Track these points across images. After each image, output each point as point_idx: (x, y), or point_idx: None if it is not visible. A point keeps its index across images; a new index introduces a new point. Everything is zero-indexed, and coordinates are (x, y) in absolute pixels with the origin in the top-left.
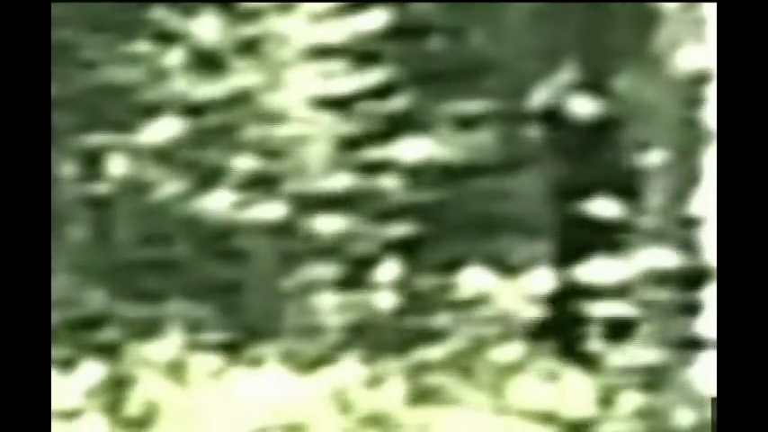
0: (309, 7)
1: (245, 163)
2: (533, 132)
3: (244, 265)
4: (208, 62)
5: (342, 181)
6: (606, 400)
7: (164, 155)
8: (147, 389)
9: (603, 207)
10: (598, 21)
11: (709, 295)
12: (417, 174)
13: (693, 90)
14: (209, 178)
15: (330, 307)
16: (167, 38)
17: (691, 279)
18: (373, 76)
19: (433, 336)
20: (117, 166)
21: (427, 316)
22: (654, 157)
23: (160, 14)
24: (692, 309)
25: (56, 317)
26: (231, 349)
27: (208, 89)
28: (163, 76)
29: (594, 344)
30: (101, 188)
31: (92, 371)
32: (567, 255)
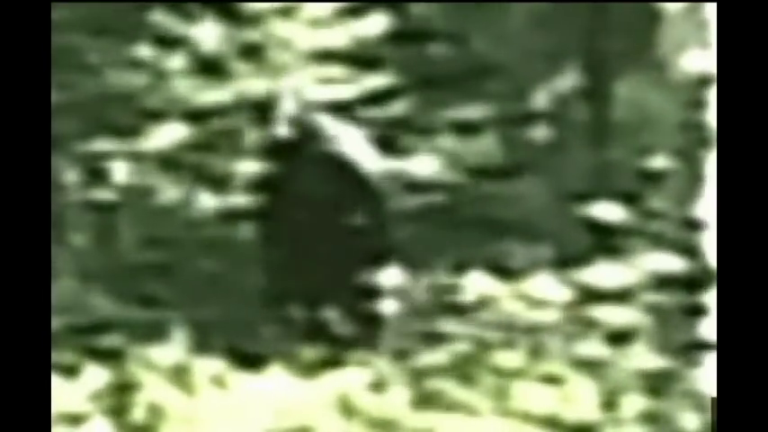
0: (311, 12)
1: (247, 167)
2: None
3: (246, 270)
4: (210, 67)
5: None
6: (610, 404)
7: (167, 160)
8: (152, 393)
9: (607, 211)
10: (601, 24)
11: (713, 299)
12: (419, 178)
13: (697, 93)
14: (213, 183)
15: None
16: (169, 43)
17: (695, 283)
18: (375, 81)
19: (436, 340)
20: (120, 171)
21: (430, 320)
22: (657, 162)
23: (161, 19)
24: (697, 312)
25: (60, 322)
26: (235, 353)
27: (210, 94)
28: (165, 81)
29: (598, 348)
30: (104, 194)
31: (96, 375)
32: (571, 259)
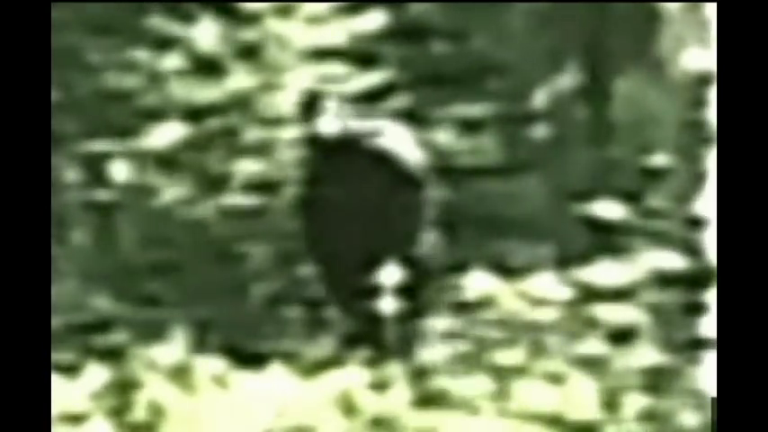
0: (308, 9)
1: (246, 167)
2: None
3: (247, 269)
4: (207, 66)
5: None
6: (611, 402)
7: (166, 160)
8: (153, 392)
9: (608, 209)
10: (601, 23)
11: (714, 297)
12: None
13: (697, 92)
14: (211, 183)
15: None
16: (166, 42)
17: (696, 281)
18: (373, 79)
19: (437, 339)
20: (120, 171)
21: (431, 319)
22: (658, 160)
23: (159, 19)
24: (697, 311)
25: (60, 321)
26: (235, 353)
27: (207, 93)
28: (162, 80)
29: (599, 346)
30: (104, 194)
31: (96, 375)
32: (571, 257)
